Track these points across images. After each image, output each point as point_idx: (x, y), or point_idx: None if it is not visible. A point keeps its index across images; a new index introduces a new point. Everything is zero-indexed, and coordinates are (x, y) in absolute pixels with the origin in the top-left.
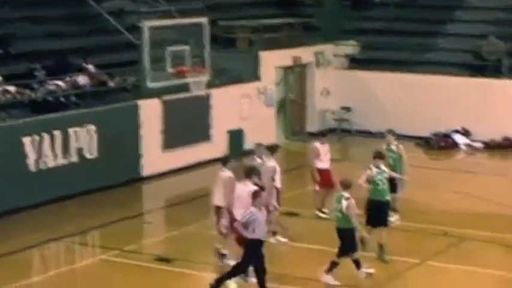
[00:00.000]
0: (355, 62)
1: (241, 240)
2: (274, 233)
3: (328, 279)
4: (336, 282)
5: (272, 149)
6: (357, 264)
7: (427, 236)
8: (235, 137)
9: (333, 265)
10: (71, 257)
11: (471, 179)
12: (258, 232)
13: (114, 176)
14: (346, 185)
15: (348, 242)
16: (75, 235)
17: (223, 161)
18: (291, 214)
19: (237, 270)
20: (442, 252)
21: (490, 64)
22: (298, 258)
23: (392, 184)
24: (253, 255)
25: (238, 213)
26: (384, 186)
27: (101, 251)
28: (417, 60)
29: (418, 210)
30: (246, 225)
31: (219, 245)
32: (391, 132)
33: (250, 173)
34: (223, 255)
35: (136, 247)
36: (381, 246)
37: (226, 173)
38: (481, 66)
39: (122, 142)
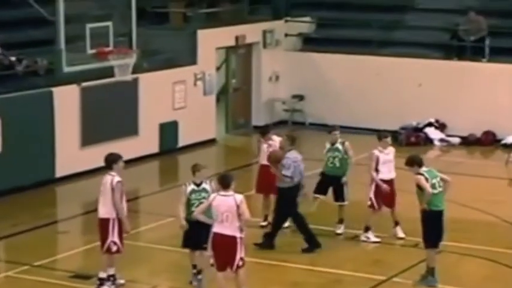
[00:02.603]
0: (310, 42)
1: None
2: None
3: None
4: None
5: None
6: None
7: (397, 249)
8: (168, 130)
9: None
10: None
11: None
12: None
13: (22, 177)
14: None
15: None
16: None
17: (109, 161)
18: None
19: None
20: (413, 267)
21: (469, 45)
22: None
23: (338, 189)
24: None
25: None
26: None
27: (6, 266)
28: (383, 40)
29: (385, 218)
30: None
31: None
32: (338, 128)
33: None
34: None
35: (48, 262)
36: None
37: (115, 177)
38: (459, 48)
39: (32, 137)
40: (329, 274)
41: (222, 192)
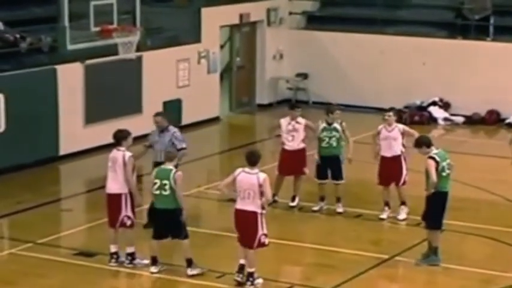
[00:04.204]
0: (314, 21)
1: None
2: None
3: None
4: None
5: None
6: None
7: (400, 227)
8: (172, 108)
9: None
10: None
11: (450, 160)
12: None
13: (25, 155)
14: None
15: None
16: None
17: (119, 138)
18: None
19: None
20: (416, 246)
21: (473, 24)
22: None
23: (336, 168)
24: None
25: None
26: None
27: (10, 243)
28: (387, 18)
29: (388, 197)
30: None
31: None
32: (338, 108)
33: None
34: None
35: (52, 239)
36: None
37: (126, 152)
38: (463, 26)
39: (35, 114)
40: (332, 253)
41: (247, 169)
